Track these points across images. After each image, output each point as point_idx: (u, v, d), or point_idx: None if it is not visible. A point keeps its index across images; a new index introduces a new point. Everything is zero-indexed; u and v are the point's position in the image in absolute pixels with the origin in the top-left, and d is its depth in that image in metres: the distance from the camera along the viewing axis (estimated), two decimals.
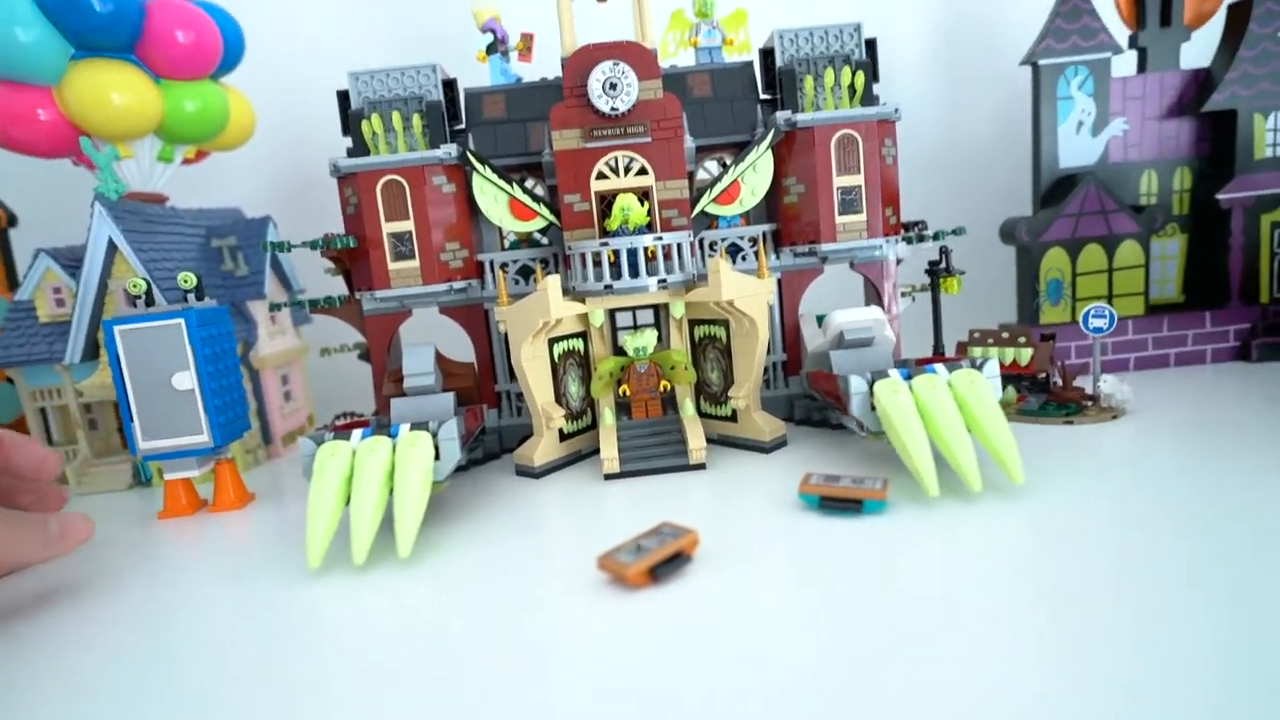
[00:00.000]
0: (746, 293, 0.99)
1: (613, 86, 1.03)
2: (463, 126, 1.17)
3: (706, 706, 0.49)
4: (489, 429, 1.18)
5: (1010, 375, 1.16)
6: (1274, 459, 0.83)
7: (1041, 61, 1.30)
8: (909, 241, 1.21)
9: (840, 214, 1.10)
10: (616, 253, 1.02)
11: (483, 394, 1.17)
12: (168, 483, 1.02)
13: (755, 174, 1.11)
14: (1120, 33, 1.34)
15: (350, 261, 1.13)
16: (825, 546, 0.73)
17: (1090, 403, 1.09)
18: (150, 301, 1.02)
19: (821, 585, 0.65)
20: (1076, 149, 1.33)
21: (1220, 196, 1.28)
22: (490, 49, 1.18)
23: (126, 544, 0.94)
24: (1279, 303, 1.29)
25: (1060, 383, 1.12)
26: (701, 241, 1.16)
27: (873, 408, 0.88)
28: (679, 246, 1.04)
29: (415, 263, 1.08)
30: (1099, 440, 0.97)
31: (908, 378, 0.88)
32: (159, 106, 1.19)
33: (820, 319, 1.16)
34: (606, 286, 1.02)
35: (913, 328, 1.35)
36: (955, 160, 1.69)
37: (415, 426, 0.87)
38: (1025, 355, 1.14)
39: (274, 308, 1.22)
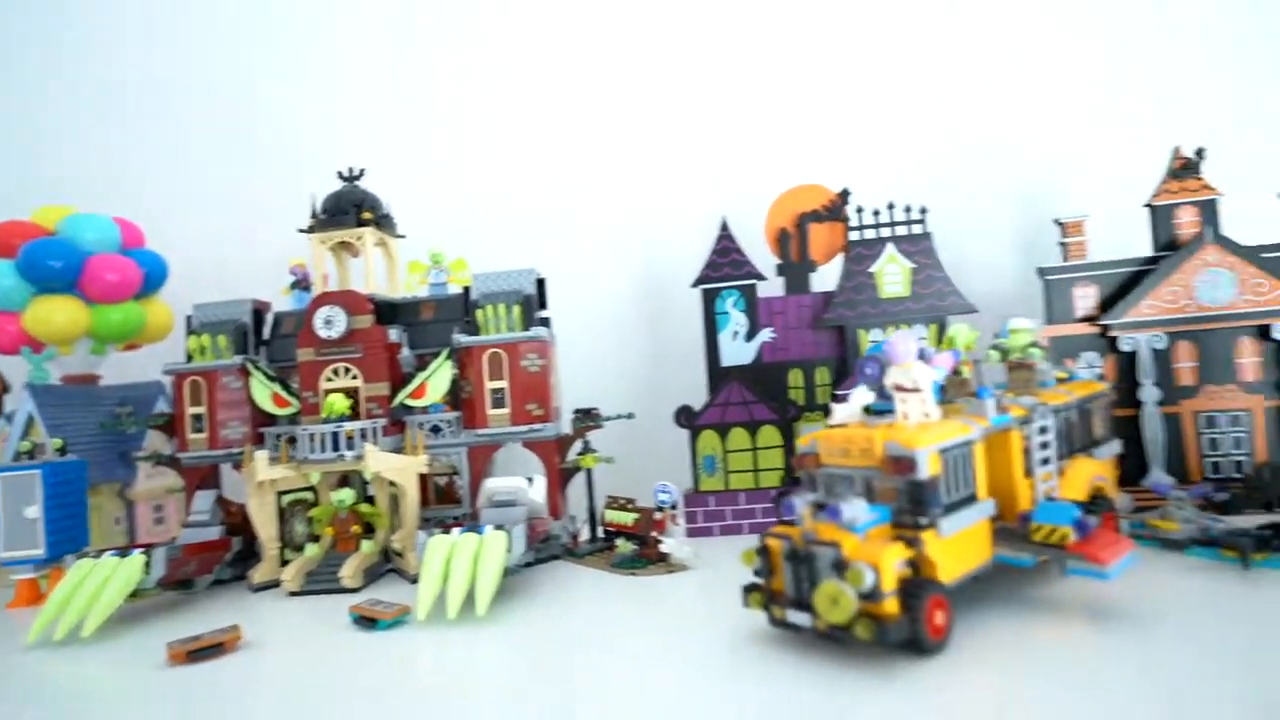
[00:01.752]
0: (392, 465, 1.41)
1: (329, 322, 1.52)
2: (267, 339, 1.70)
3: None
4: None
5: (628, 533, 1.49)
6: (723, 620, 1.03)
7: (702, 286, 1.70)
8: (576, 425, 1.60)
9: (491, 407, 1.52)
10: (323, 434, 1.48)
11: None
12: (17, 581, 1.51)
13: (437, 378, 1.55)
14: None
15: (172, 431, 1.64)
16: (330, 647, 1.10)
17: (662, 560, 1.40)
18: (33, 456, 1.56)
19: (286, 672, 1.03)
20: (736, 352, 1.70)
21: (837, 393, 1.60)
22: (294, 285, 1.72)
23: None
24: None
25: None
26: (412, 422, 1.59)
27: None
28: (363, 431, 1.48)
29: (205, 435, 1.59)
30: (636, 588, 1.28)
31: (464, 532, 1.26)
32: (87, 322, 1.80)
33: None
34: (305, 457, 1.47)
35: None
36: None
37: (143, 550, 1.32)
38: (631, 518, 1.48)
39: (135, 458, 1.74)
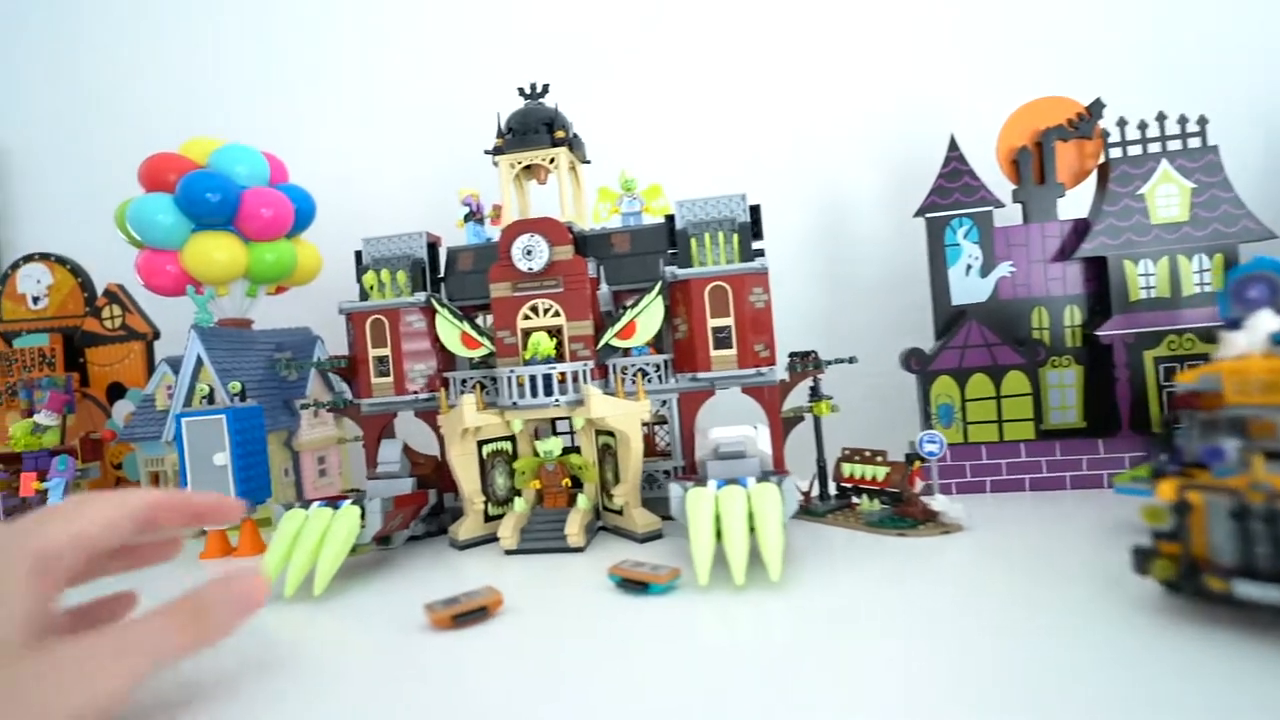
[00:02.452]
0: (615, 412, 1.26)
1: (529, 252, 1.37)
2: (442, 276, 1.55)
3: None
4: (447, 508, 1.49)
5: (873, 489, 1.33)
6: (1072, 594, 0.88)
7: (928, 215, 1.50)
8: (794, 369, 1.43)
9: (714, 348, 1.36)
10: (530, 376, 1.33)
11: (443, 481, 1.50)
12: (209, 532, 1.41)
13: (647, 316, 1.39)
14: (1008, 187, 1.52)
15: (351, 376, 1.52)
16: (603, 615, 0.96)
17: (932, 518, 1.23)
18: (212, 400, 1.45)
19: (577, 644, 0.89)
20: (967, 288, 1.50)
21: (1099, 333, 1.40)
22: (467, 218, 1.57)
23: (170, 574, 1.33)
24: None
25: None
26: (615, 367, 1.44)
27: None
28: (575, 374, 1.33)
29: (390, 379, 1.45)
30: (913, 552, 1.12)
31: (721, 487, 1.11)
32: (245, 261, 1.68)
33: (706, 434, 1.40)
34: (513, 403, 1.32)
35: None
36: (905, 290, 1.87)
37: (355, 501, 1.20)
38: (881, 472, 1.31)
39: (303, 406, 1.63)
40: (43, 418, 1.54)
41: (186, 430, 1.39)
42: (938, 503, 1.22)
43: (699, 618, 0.94)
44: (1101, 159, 1.45)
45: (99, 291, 1.95)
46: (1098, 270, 1.44)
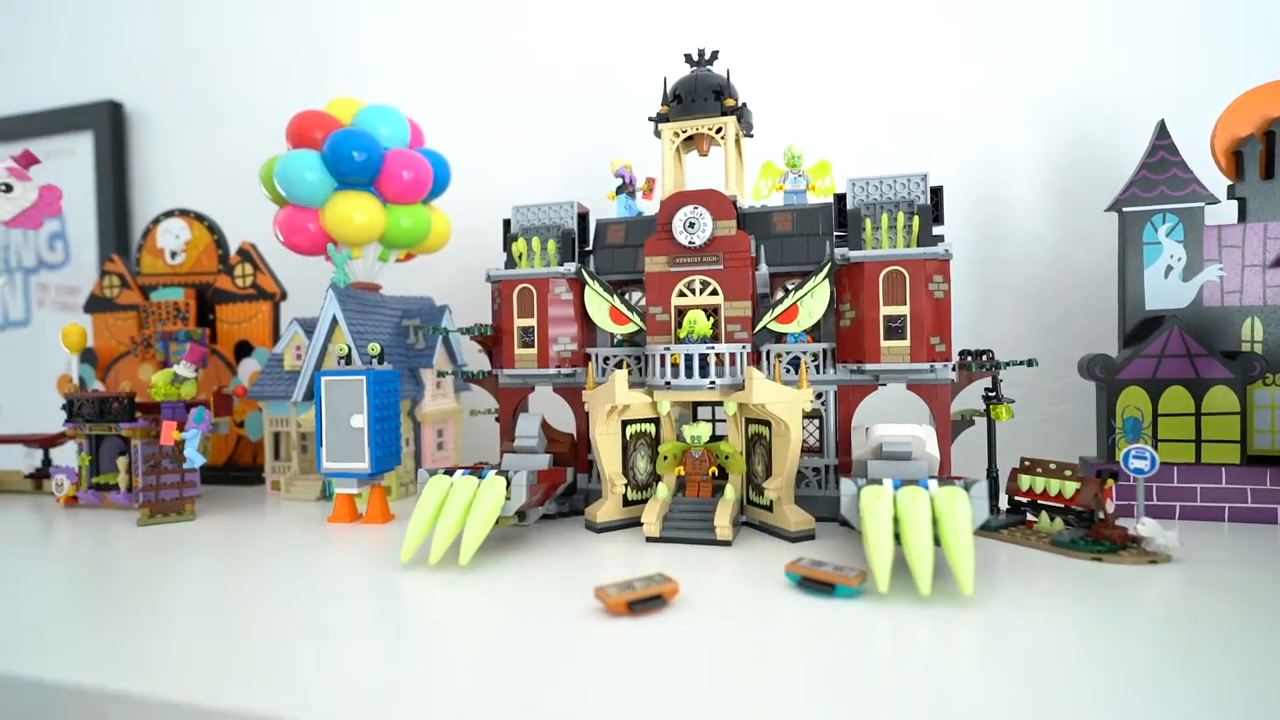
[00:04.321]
0: (778, 399, 1.16)
1: (691, 225, 1.28)
2: (590, 248, 1.49)
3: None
4: (579, 490, 1.42)
5: (1056, 507, 1.20)
6: None
7: (1126, 209, 1.36)
8: (969, 369, 1.30)
9: (885, 339, 1.25)
10: (685, 356, 1.25)
11: (578, 461, 1.43)
12: (338, 495, 1.38)
13: (812, 299, 1.29)
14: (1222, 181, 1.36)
15: (493, 345, 1.46)
16: (781, 615, 0.87)
17: (1132, 544, 1.09)
18: (349, 361, 1.42)
19: (759, 641, 0.80)
20: (1165, 292, 1.35)
21: None
22: (619, 190, 1.50)
23: (301, 536, 1.30)
24: None
25: (1104, 519, 1.13)
26: (769, 353, 1.34)
27: None
28: (732, 356, 1.24)
29: (534, 350, 1.39)
30: (1113, 581, 0.98)
31: (898, 487, 1.00)
32: (383, 223, 1.65)
33: (867, 431, 1.29)
34: (666, 383, 1.24)
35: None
36: (1070, 293, 1.72)
37: (500, 473, 1.14)
38: (1070, 488, 1.18)
39: (440, 374, 1.59)
40: (182, 369, 1.53)
41: (326, 390, 1.36)
42: (1145, 527, 1.08)
43: (881, 627, 0.83)
44: None
45: (232, 250, 1.96)
46: None
